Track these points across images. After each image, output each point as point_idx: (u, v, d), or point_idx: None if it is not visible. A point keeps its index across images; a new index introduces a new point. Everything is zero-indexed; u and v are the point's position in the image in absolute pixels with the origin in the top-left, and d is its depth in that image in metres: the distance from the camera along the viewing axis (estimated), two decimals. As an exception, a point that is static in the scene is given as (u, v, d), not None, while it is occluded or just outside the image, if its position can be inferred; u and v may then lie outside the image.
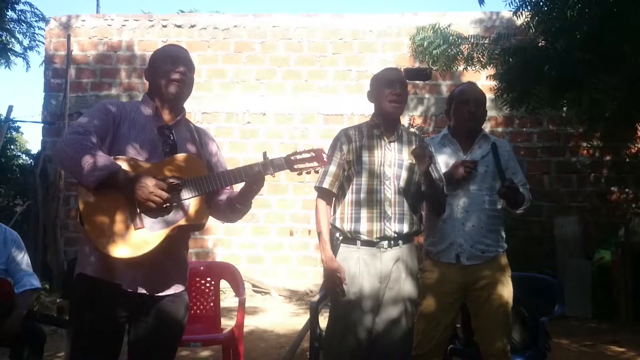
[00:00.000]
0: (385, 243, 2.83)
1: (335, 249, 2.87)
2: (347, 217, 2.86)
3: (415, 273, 2.94)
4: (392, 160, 2.89)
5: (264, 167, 2.29)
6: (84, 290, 2.24)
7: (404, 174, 2.89)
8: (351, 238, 2.85)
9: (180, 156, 2.32)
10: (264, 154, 2.33)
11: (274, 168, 2.30)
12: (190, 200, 2.25)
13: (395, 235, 2.84)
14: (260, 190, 2.38)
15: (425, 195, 2.93)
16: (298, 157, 2.33)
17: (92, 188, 2.09)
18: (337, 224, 2.90)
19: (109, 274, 2.19)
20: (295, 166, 2.33)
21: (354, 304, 2.80)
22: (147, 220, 2.17)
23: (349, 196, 2.88)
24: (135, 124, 2.31)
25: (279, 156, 2.33)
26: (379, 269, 2.81)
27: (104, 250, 2.11)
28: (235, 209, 2.42)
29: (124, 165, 2.17)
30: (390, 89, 2.90)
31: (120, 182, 2.11)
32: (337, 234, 2.89)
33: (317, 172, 2.44)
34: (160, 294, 2.29)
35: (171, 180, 2.21)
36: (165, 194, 2.14)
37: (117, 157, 2.20)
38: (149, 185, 2.12)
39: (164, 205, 2.16)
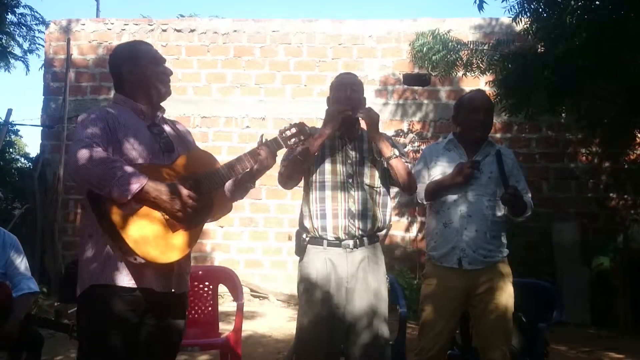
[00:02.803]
0: (351, 243, 2.86)
1: (302, 250, 2.92)
2: (313, 214, 2.90)
3: (384, 275, 2.96)
4: (354, 159, 2.95)
5: (270, 149, 2.48)
6: (103, 302, 2.17)
7: (366, 171, 2.95)
8: (318, 238, 2.88)
9: (192, 153, 2.41)
10: (261, 137, 2.53)
11: (276, 148, 2.52)
12: (212, 194, 2.33)
13: (361, 232, 2.87)
14: (270, 168, 2.52)
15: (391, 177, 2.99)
16: (288, 133, 2.58)
17: (125, 202, 2.08)
18: (305, 223, 2.93)
19: (139, 279, 2.18)
20: (289, 142, 2.59)
21: (319, 314, 2.82)
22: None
23: (314, 194, 2.92)
24: (128, 127, 2.29)
25: (274, 137, 2.56)
26: (345, 270, 2.83)
27: (151, 258, 2.11)
28: (244, 188, 2.54)
29: (147, 172, 2.16)
30: (344, 92, 2.97)
31: (151, 195, 2.12)
32: (304, 235, 2.92)
33: (303, 143, 2.64)
34: (182, 292, 2.35)
35: (191, 182, 2.26)
36: (195, 205, 2.19)
37: (137, 164, 2.20)
38: (180, 197, 2.16)
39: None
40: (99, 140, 2.16)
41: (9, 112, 8.20)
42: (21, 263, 3.64)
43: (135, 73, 2.39)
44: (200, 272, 4.41)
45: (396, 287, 4.08)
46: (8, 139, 11.19)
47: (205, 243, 8.11)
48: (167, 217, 2.18)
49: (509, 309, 3.04)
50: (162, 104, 2.51)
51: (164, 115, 2.54)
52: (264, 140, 2.51)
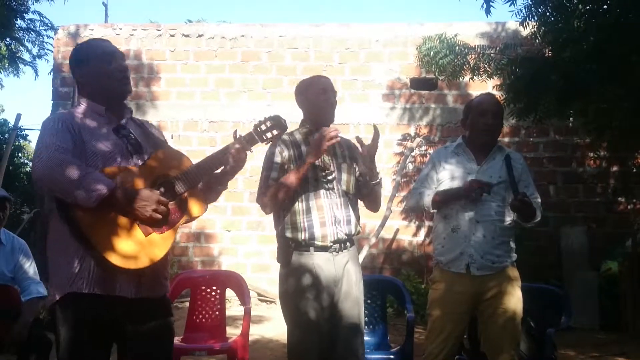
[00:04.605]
0: (337, 247, 2.87)
1: (288, 255, 2.89)
2: (299, 227, 2.85)
3: (360, 275, 2.98)
4: (331, 164, 2.94)
5: (242, 146, 2.39)
6: (79, 310, 2.12)
7: (344, 177, 2.95)
8: (304, 245, 2.85)
9: (162, 152, 2.32)
10: (235, 132, 2.46)
11: (248, 143, 2.43)
12: (186, 195, 2.27)
13: (346, 237, 2.89)
14: (241, 169, 2.46)
15: (365, 194, 3.00)
16: (263, 127, 2.48)
17: (91, 207, 2.01)
18: (289, 234, 2.88)
19: (111, 287, 2.12)
20: (264, 136, 2.48)
21: (311, 319, 2.81)
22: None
23: (298, 205, 2.86)
24: (92, 131, 2.22)
25: (248, 132, 2.46)
26: (333, 274, 2.83)
27: (120, 264, 2.06)
28: (215, 190, 2.46)
29: (117, 176, 2.11)
30: (324, 96, 2.96)
31: (119, 200, 2.06)
32: (289, 242, 2.88)
33: (278, 138, 2.59)
34: (158, 296, 2.27)
35: (162, 184, 2.20)
36: (165, 209, 2.13)
37: (105, 168, 2.13)
38: (150, 203, 2.09)
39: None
40: (65, 146, 2.09)
41: (18, 117, 8.28)
42: (30, 267, 3.67)
43: (86, 75, 2.31)
44: (207, 277, 4.43)
45: (403, 292, 4.07)
46: (17, 143, 11.27)
47: (212, 247, 8.13)
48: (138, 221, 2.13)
49: (517, 313, 3.02)
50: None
51: (133, 117, 2.45)
52: (237, 136, 2.43)
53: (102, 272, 2.10)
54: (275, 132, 2.50)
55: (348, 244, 2.92)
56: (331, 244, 2.84)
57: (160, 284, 2.29)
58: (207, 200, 2.44)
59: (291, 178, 2.79)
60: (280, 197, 2.83)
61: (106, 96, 2.30)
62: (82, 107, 2.30)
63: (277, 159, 2.92)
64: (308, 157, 2.78)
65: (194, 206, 2.30)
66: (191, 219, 2.33)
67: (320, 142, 2.73)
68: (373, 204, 3.08)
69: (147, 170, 2.22)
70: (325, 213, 2.85)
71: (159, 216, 2.10)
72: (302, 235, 2.84)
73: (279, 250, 2.97)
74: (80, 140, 2.15)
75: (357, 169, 2.99)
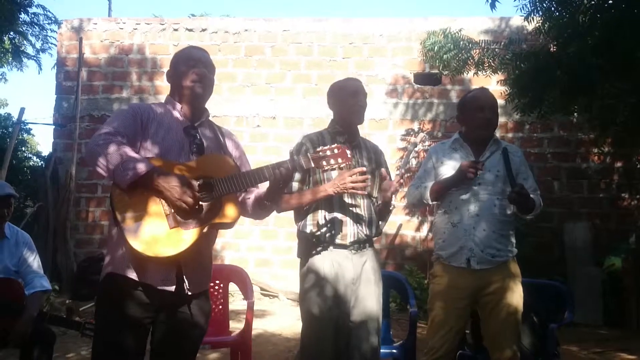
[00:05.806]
0: (356, 246, 2.88)
1: (308, 251, 2.90)
2: (321, 222, 2.88)
3: (380, 275, 2.99)
4: (358, 166, 2.93)
5: (292, 166, 2.36)
6: (113, 289, 2.24)
7: (368, 181, 2.91)
8: (324, 242, 2.87)
9: (211, 155, 2.39)
10: (291, 153, 2.48)
11: (300, 165, 2.39)
12: (222, 199, 2.27)
13: (365, 237, 2.90)
14: (287, 187, 2.48)
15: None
16: (322, 154, 2.40)
17: (126, 187, 2.10)
18: (310, 230, 2.89)
19: (141, 273, 2.20)
20: (322, 162, 2.40)
21: (327, 316, 2.82)
22: (181, 219, 2.18)
23: (322, 201, 2.86)
24: (162, 125, 2.35)
25: (305, 155, 2.42)
26: (351, 271, 2.85)
27: (138, 249, 2.10)
28: (263, 206, 2.48)
29: (157, 165, 2.17)
30: (355, 99, 2.98)
31: (153, 181, 2.12)
32: (310, 237, 2.89)
33: (341, 168, 2.51)
34: (190, 292, 2.30)
35: (201, 181, 2.22)
36: (196, 195, 2.16)
37: (149, 157, 2.22)
38: (180, 187, 2.13)
39: (195, 207, 2.18)
40: (121, 130, 2.21)
41: (22, 110, 8.28)
42: (34, 261, 3.67)
43: (170, 75, 2.52)
44: (210, 271, 4.42)
45: (406, 287, 4.07)
46: (20, 137, 11.28)
47: (215, 241, 8.12)
48: (167, 212, 2.16)
49: (518, 308, 3.02)
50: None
51: (212, 122, 2.57)
52: (294, 157, 2.40)
53: (133, 258, 2.17)
54: (336, 161, 2.39)
55: (367, 244, 2.94)
56: (350, 243, 2.86)
57: (191, 280, 2.30)
58: (254, 215, 2.56)
59: (306, 198, 2.83)
60: (289, 209, 2.91)
61: (183, 97, 2.47)
62: (162, 102, 2.51)
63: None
64: (328, 188, 2.75)
65: (229, 210, 2.29)
66: (223, 222, 2.30)
67: (344, 179, 2.69)
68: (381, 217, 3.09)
69: (192, 167, 2.27)
70: (347, 213, 2.88)
71: (190, 200, 2.13)
72: (322, 232, 2.86)
73: (299, 245, 3.00)
74: (146, 130, 2.30)
75: (379, 174, 3.00)
